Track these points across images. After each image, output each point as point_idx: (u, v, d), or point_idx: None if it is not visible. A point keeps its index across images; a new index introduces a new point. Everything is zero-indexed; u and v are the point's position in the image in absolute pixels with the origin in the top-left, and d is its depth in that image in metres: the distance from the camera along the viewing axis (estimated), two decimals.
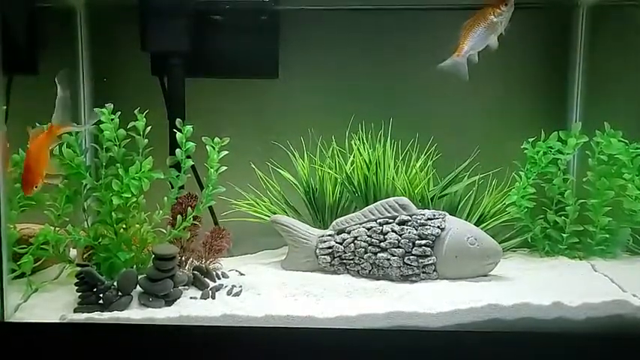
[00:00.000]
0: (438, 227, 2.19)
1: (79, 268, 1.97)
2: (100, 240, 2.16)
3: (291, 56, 2.64)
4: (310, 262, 2.32)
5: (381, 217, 2.27)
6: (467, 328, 1.83)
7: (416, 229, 2.20)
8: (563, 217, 2.50)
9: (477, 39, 2.23)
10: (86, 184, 2.15)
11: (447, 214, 2.26)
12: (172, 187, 2.23)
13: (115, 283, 1.95)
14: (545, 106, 2.67)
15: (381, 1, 2.62)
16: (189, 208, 2.22)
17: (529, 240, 2.54)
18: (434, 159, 2.52)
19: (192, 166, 2.32)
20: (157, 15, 2.46)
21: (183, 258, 2.25)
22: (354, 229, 2.28)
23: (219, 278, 2.21)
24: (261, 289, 2.09)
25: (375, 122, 2.55)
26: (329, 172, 2.52)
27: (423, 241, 2.18)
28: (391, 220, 2.25)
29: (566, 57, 2.62)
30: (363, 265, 2.23)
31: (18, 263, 2.04)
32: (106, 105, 2.15)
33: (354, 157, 2.51)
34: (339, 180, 2.52)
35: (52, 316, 1.88)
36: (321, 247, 2.30)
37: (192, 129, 2.22)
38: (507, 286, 2.11)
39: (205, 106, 2.62)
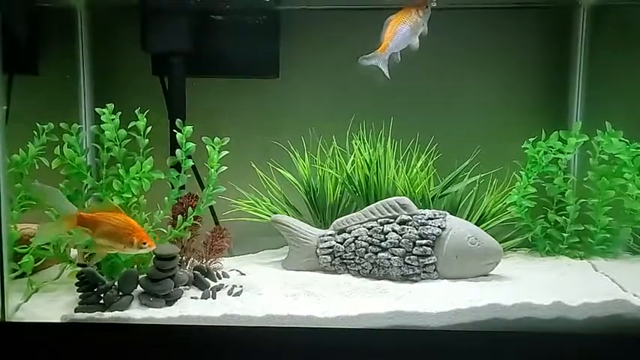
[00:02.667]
0: (439, 227, 2.19)
1: (79, 268, 1.98)
2: None
3: (291, 56, 2.64)
4: (311, 262, 2.32)
5: (382, 216, 2.27)
6: (467, 327, 1.83)
7: (416, 229, 2.20)
8: (563, 217, 2.50)
9: (402, 38, 2.18)
10: (87, 184, 2.15)
11: (447, 213, 2.26)
12: (173, 187, 2.24)
13: (116, 283, 1.96)
14: (545, 106, 2.67)
15: (381, 1, 2.61)
16: (189, 208, 2.22)
17: (530, 240, 2.54)
18: (434, 158, 2.52)
19: (193, 166, 2.32)
20: (157, 15, 2.46)
21: (183, 258, 2.25)
22: (354, 229, 2.28)
23: (219, 278, 2.21)
24: (261, 289, 2.09)
25: (375, 122, 2.55)
26: (330, 172, 2.52)
27: (424, 241, 2.18)
28: (392, 220, 2.25)
29: (567, 57, 2.62)
30: (363, 265, 2.23)
31: (19, 263, 2.05)
32: (106, 105, 2.16)
33: (354, 156, 2.51)
34: (339, 180, 2.52)
35: (53, 316, 1.89)
36: (321, 246, 2.30)
37: (192, 129, 2.22)
38: (508, 286, 2.11)
39: (206, 105, 2.62)
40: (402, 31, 2.16)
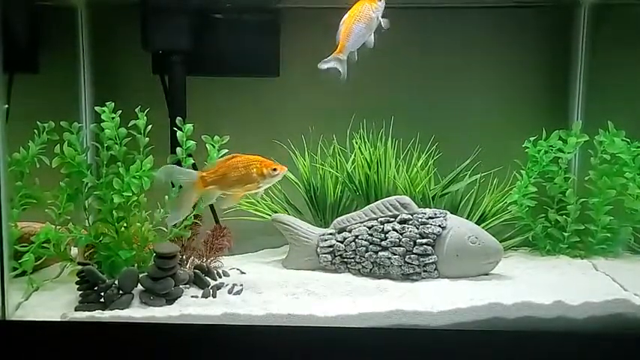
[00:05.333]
0: (439, 226, 2.19)
1: (80, 267, 1.98)
2: (101, 238, 2.16)
3: (292, 55, 2.64)
4: (311, 261, 2.32)
5: (382, 215, 2.27)
6: (468, 326, 1.83)
7: (417, 228, 2.20)
8: (564, 216, 2.50)
9: (358, 37, 2.10)
10: (87, 183, 2.15)
11: (448, 212, 2.26)
12: (173, 186, 2.23)
13: (116, 282, 1.95)
14: (546, 105, 2.67)
15: None
16: None
17: (530, 239, 2.54)
18: (435, 157, 2.52)
19: (193, 165, 2.32)
20: (158, 14, 2.46)
21: (184, 256, 2.25)
22: (355, 228, 2.28)
23: (220, 277, 2.21)
24: (262, 288, 2.09)
25: (376, 121, 2.55)
26: (330, 171, 2.52)
27: (424, 240, 2.18)
28: (392, 219, 2.25)
29: (568, 55, 2.62)
30: (364, 264, 2.23)
31: (19, 262, 2.05)
32: (106, 103, 2.15)
33: (355, 155, 2.51)
34: (340, 179, 2.52)
35: (53, 315, 1.89)
36: (322, 245, 2.29)
37: (192, 127, 2.22)
38: (508, 285, 2.11)
39: (206, 104, 2.62)
40: (356, 29, 2.09)
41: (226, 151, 2.24)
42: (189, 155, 2.23)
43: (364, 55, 2.64)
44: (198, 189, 1.92)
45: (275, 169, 1.92)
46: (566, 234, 2.49)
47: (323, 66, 2.10)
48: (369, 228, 2.25)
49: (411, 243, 2.19)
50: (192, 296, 2.02)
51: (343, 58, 2.10)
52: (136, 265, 2.16)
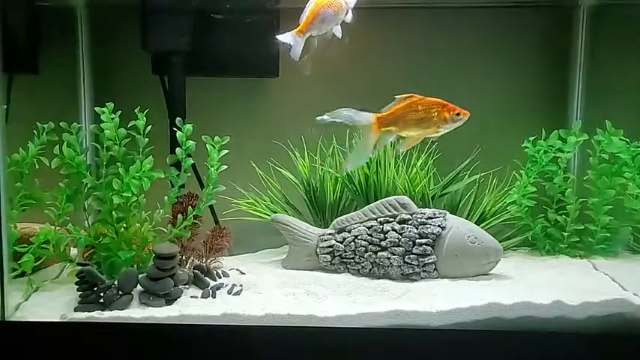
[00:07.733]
0: (439, 226, 2.19)
1: (79, 267, 1.98)
2: (100, 239, 2.16)
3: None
4: (311, 261, 2.32)
5: (382, 215, 2.27)
6: (467, 326, 1.83)
7: (416, 228, 2.20)
8: (563, 216, 2.50)
9: (323, 22, 1.99)
10: (87, 183, 2.15)
11: (447, 212, 2.26)
12: (173, 186, 2.24)
13: (116, 282, 1.96)
14: (546, 105, 2.67)
15: None
16: (189, 207, 2.22)
17: (530, 239, 2.54)
18: (434, 158, 2.52)
19: (193, 165, 2.32)
20: (157, 14, 2.46)
21: (183, 257, 2.25)
22: (354, 228, 2.28)
23: (219, 277, 2.21)
24: (261, 288, 2.09)
25: None
26: (329, 171, 2.52)
27: (424, 240, 2.18)
28: (392, 219, 2.25)
29: (567, 56, 2.62)
30: (363, 264, 2.23)
31: (18, 262, 2.04)
32: (106, 104, 2.15)
33: None
34: (339, 179, 2.52)
35: (52, 315, 1.89)
36: (321, 245, 2.29)
37: (192, 127, 2.22)
38: (508, 285, 2.11)
39: (206, 105, 2.62)
40: (324, 14, 2.00)
41: (226, 151, 2.25)
42: (189, 155, 2.23)
43: (364, 56, 2.66)
44: (375, 131, 1.87)
45: (458, 114, 1.86)
46: (565, 234, 2.49)
47: (279, 38, 2.04)
48: (369, 228, 2.25)
49: (411, 243, 2.19)
50: (191, 297, 2.02)
51: (302, 39, 2.02)
52: (135, 265, 2.16)
